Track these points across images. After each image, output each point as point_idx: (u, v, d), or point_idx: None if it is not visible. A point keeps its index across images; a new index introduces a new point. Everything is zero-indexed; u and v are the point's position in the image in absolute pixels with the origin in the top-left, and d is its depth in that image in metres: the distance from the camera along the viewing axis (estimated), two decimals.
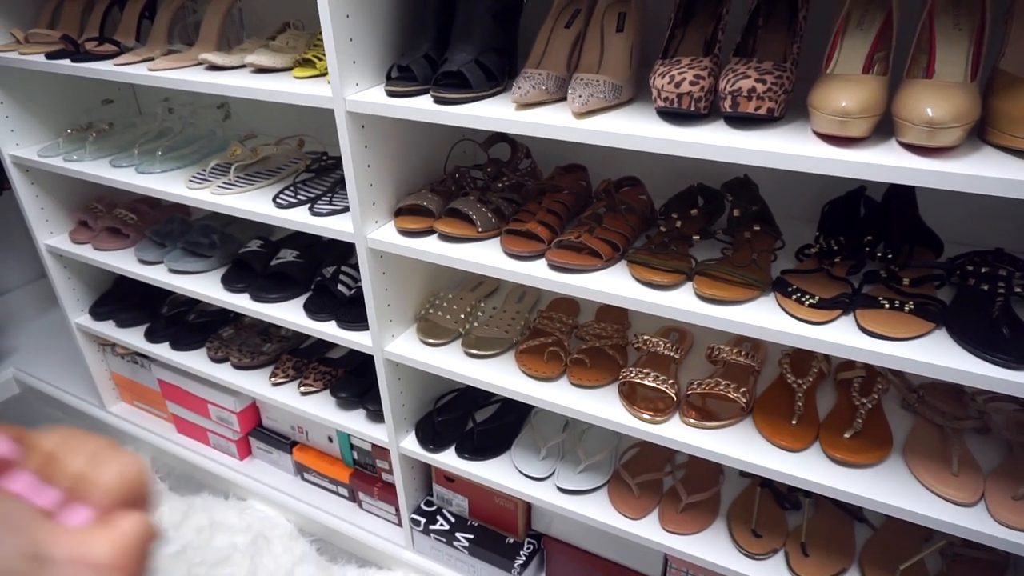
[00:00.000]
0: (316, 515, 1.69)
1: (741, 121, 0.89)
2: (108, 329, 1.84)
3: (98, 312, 1.87)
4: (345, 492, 1.70)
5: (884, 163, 0.76)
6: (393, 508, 1.60)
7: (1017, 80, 0.78)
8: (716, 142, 0.84)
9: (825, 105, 0.80)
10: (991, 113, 0.79)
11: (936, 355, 0.84)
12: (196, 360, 1.71)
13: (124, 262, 1.67)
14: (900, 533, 1.17)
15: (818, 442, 1.05)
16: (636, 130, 0.89)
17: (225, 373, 1.67)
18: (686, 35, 1.01)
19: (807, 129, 0.86)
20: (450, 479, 1.49)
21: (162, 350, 1.75)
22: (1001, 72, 0.81)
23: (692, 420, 1.09)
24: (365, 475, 1.65)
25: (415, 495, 1.55)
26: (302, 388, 1.59)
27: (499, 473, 1.34)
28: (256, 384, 1.63)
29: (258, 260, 1.55)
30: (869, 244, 1.03)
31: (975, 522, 0.91)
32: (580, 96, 0.93)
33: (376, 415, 1.46)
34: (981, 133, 0.81)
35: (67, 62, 1.41)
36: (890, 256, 1.00)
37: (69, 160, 1.60)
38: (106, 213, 1.78)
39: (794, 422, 1.06)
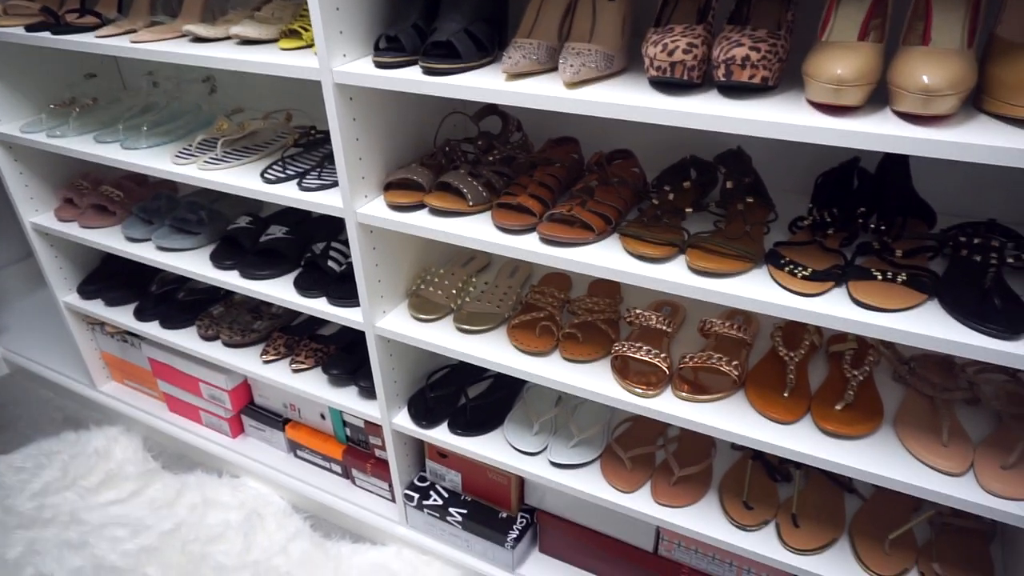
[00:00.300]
0: (309, 492, 1.69)
1: (735, 90, 0.88)
2: (97, 308, 1.82)
3: (86, 291, 1.85)
4: (338, 469, 1.70)
5: (879, 132, 0.75)
6: (386, 484, 1.60)
7: (1015, 46, 0.77)
8: (709, 111, 0.83)
9: (820, 73, 0.78)
10: (987, 81, 0.78)
11: (928, 326, 0.84)
12: (186, 338, 1.70)
13: (111, 240, 1.65)
14: (890, 503, 1.18)
15: (809, 414, 1.05)
16: (628, 100, 0.87)
17: (216, 351, 1.66)
18: (679, 3, 1.00)
19: (801, 98, 0.85)
20: (443, 455, 1.49)
21: (152, 328, 1.73)
22: (998, 38, 0.80)
23: (684, 393, 1.09)
24: (358, 452, 1.65)
25: (408, 471, 1.55)
26: (293, 365, 1.58)
27: (492, 448, 1.34)
28: (247, 362, 1.62)
29: (247, 237, 1.53)
30: (862, 216, 1.02)
31: (965, 492, 0.92)
32: (571, 66, 0.91)
33: (368, 391, 1.45)
34: (976, 101, 0.81)
35: (47, 34, 1.38)
36: (883, 228, 0.99)
37: (52, 136, 1.58)
38: (92, 190, 1.76)
39: (786, 395, 1.06)
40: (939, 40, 0.80)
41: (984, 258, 0.92)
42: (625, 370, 1.13)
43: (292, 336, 1.67)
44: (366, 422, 1.57)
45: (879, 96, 0.81)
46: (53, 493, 1.76)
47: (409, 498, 1.52)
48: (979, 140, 0.71)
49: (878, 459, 0.97)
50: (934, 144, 0.73)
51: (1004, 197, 1.05)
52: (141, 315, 1.76)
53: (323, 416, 1.68)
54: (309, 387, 1.53)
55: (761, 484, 1.23)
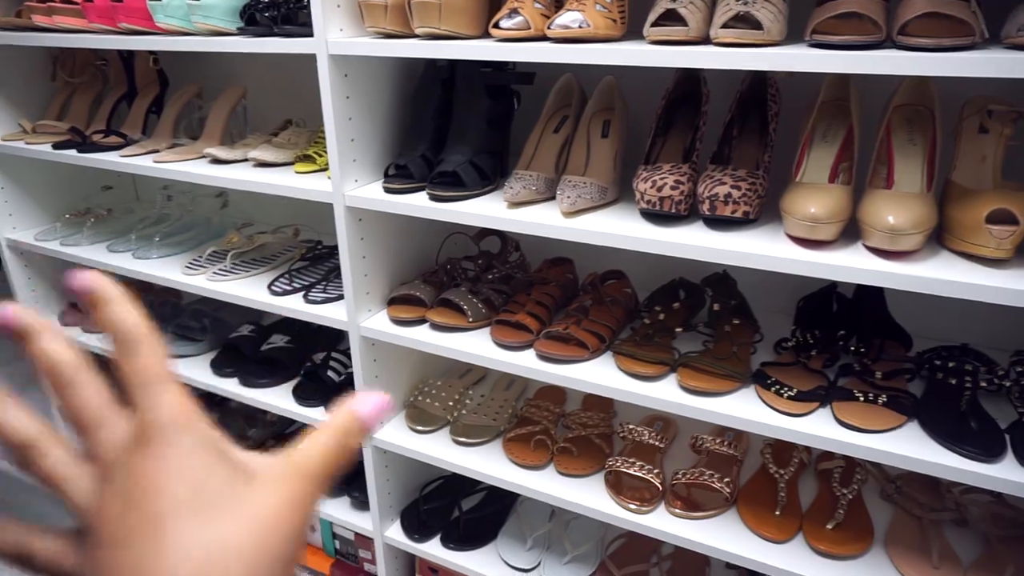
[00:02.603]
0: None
1: (719, 223, 0.95)
2: None
3: None
4: None
5: (852, 265, 0.82)
6: None
7: (968, 191, 0.85)
8: (696, 242, 0.90)
9: (795, 211, 0.86)
10: (947, 221, 0.86)
11: (909, 447, 0.87)
12: None
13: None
14: None
15: (801, 533, 1.06)
16: (621, 229, 0.95)
17: None
18: (667, 143, 1.09)
19: (780, 231, 0.92)
20: (434, 570, 1.47)
21: None
22: (953, 184, 0.88)
23: (678, 510, 1.10)
24: (346, 565, 1.62)
25: None
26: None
27: (485, 564, 1.33)
28: None
29: (249, 345, 1.57)
30: (842, 338, 1.08)
31: None
32: (569, 197, 0.99)
33: (361, 503, 1.45)
34: (939, 238, 0.88)
35: (73, 152, 1.47)
36: (863, 350, 1.04)
37: (66, 244, 1.64)
38: None
39: (778, 512, 1.08)
40: (901, 184, 0.88)
41: (959, 381, 0.97)
42: (619, 485, 1.15)
43: (286, 444, 1.66)
44: (356, 534, 1.55)
45: (852, 231, 0.88)
46: None
47: None
48: (942, 275, 0.78)
49: None
50: (901, 278, 0.80)
51: (973, 322, 1.12)
52: None
53: (312, 528, 1.65)
54: None
55: None
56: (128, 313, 0.29)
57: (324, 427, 0.32)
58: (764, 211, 0.97)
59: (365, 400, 0.32)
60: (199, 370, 1.56)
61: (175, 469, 0.27)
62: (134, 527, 0.26)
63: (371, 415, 0.32)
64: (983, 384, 0.96)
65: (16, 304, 0.29)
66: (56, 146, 1.51)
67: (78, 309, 1.79)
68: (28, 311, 0.29)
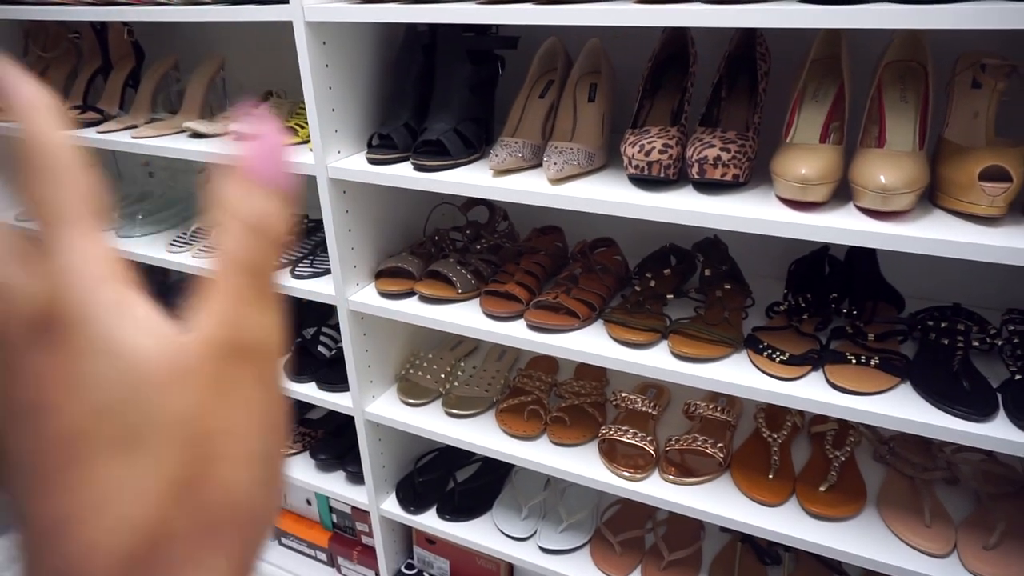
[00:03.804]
0: None
1: (708, 187, 0.93)
2: None
3: None
4: (324, 557, 1.66)
5: (843, 227, 0.80)
6: (373, 572, 1.57)
7: (960, 148, 0.84)
8: (685, 207, 0.88)
9: (786, 172, 0.84)
10: (939, 179, 0.85)
11: (902, 409, 0.87)
12: None
13: None
14: None
15: (795, 496, 1.06)
16: (609, 195, 0.93)
17: None
18: (654, 105, 1.07)
19: (771, 193, 0.91)
20: (431, 541, 1.48)
21: None
22: (946, 141, 0.87)
23: (671, 476, 1.10)
24: (344, 538, 1.62)
25: (396, 558, 1.53)
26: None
27: (481, 534, 1.33)
28: None
29: None
30: (834, 301, 1.07)
31: (949, 573, 0.93)
32: (555, 163, 0.97)
33: (356, 477, 1.45)
34: (931, 197, 0.87)
35: None
36: (855, 312, 1.04)
37: None
38: None
39: (771, 476, 1.08)
40: (893, 142, 0.86)
41: (951, 341, 0.96)
42: (612, 453, 1.15)
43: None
44: (353, 508, 1.56)
45: (843, 191, 0.87)
46: None
47: None
48: (935, 235, 0.77)
49: (863, 541, 0.98)
50: (894, 238, 0.78)
51: (965, 282, 1.11)
52: None
53: (309, 502, 1.66)
54: (296, 472, 1.52)
55: (751, 567, 1.23)
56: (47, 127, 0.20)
57: (220, 230, 0.22)
58: (754, 173, 0.96)
59: (252, 152, 0.22)
60: None
61: (83, 386, 0.19)
62: (32, 460, 0.19)
63: (263, 170, 0.22)
64: (975, 344, 0.96)
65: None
66: None
67: None
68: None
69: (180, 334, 0.21)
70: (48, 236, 0.20)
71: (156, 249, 1.47)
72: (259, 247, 0.22)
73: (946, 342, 0.96)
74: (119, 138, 1.36)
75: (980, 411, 0.84)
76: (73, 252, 0.20)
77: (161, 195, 1.71)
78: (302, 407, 1.73)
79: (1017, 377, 0.89)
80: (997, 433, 0.82)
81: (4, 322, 0.19)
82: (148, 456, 0.19)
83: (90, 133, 1.40)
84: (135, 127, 1.42)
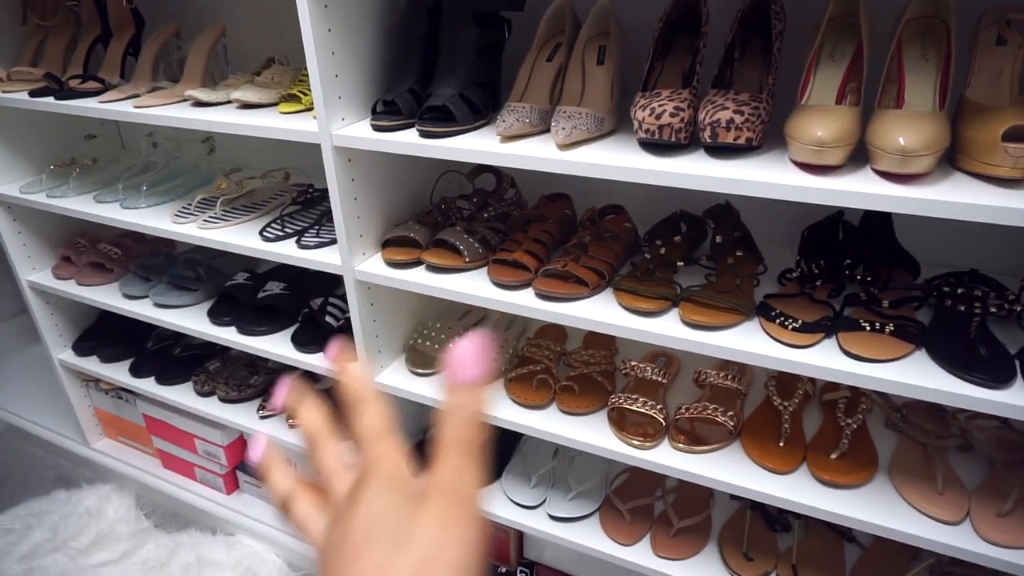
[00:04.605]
0: (305, 549, 1.67)
1: (721, 151, 0.91)
2: (91, 365, 1.82)
3: (81, 347, 1.85)
4: None
5: (860, 190, 0.78)
6: None
7: (983, 108, 0.81)
8: (697, 172, 0.86)
9: (801, 135, 0.82)
10: (960, 140, 0.82)
11: (916, 376, 0.86)
12: (182, 394, 1.70)
13: (108, 297, 1.66)
14: (889, 552, 1.18)
15: (805, 463, 1.06)
16: (619, 161, 0.91)
17: (212, 407, 1.66)
18: (665, 67, 1.04)
19: (785, 157, 0.88)
20: None
21: (147, 384, 1.73)
22: (968, 101, 0.84)
23: (681, 444, 1.10)
24: None
25: None
26: (290, 420, 1.58)
27: (490, 502, 1.34)
28: (244, 417, 1.62)
29: (245, 293, 1.55)
30: (848, 267, 1.05)
31: (961, 540, 0.92)
32: (563, 128, 0.95)
33: None
34: (951, 160, 0.84)
35: (51, 99, 1.42)
36: (869, 279, 1.02)
37: (52, 196, 1.60)
38: (90, 248, 1.77)
39: (781, 444, 1.07)
40: (913, 103, 0.84)
41: (968, 308, 0.94)
42: (622, 422, 1.14)
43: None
44: None
45: (860, 154, 0.84)
46: (42, 555, 1.73)
47: None
48: (955, 198, 0.75)
49: (874, 508, 0.98)
50: (912, 202, 0.76)
51: (984, 247, 1.09)
52: (137, 371, 1.76)
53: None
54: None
55: (760, 534, 1.23)
56: (359, 382, 0.37)
57: (441, 421, 0.35)
58: (768, 137, 0.93)
59: (455, 362, 0.34)
60: (196, 320, 1.55)
61: (365, 513, 0.32)
62: (339, 560, 0.32)
63: (466, 372, 0.34)
64: (992, 310, 0.94)
65: (287, 382, 0.38)
66: (32, 94, 1.46)
67: (71, 262, 1.76)
68: (294, 390, 0.38)
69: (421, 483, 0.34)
70: (363, 448, 0.35)
71: (161, 220, 1.46)
72: (471, 430, 0.34)
73: (963, 308, 0.95)
74: (121, 107, 1.34)
75: (997, 378, 0.82)
76: (372, 450, 0.35)
77: (165, 166, 1.70)
78: (310, 378, 1.73)
79: None
80: (1015, 400, 0.81)
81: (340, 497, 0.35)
82: (402, 553, 0.31)
83: (91, 103, 1.39)
84: (137, 96, 1.40)
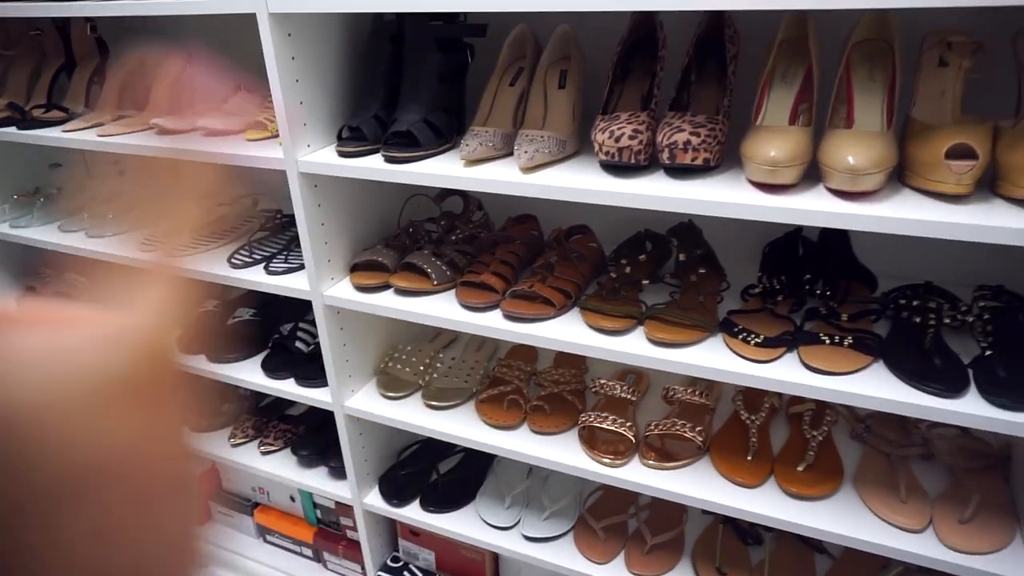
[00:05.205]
0: None
1: (679, 171, 0.93)
2: None
3: None
4: (309, 552, 1.66)
5: (813, 208, 0.81)
6: (359, 566, 1.57)
7: (927, 127, 0.84)
8: (656, 192, 0.88)
9: (756, 155, 0.84)
10: (907, 158, 0.85)
11: (875, 387, 0.88)
12: None
13: None
14: (859, 562, 1.20)
15: (773, 476, 1.07)
16: (581, 183, 0.92)
17: None
18: (624, 91, 1.06)
19: (742, 177, 0.90)
20: (415, 533, 1.48)
21: None
22: (913, 120, 0.87)
23: (651, 461, 1.10)
24: (329, 533, 1.62)
25: (381, 551, 1.52)
26: (262, 448, 1.56)
27: (465, 524, 1.33)
28: (215, 446, 1.60)
29: (214, 320, 1.53)
30: (808, 282, 1.08)
31: (925, 548, 0.94)
32: (526, 152, 0.96)
33: (339, 472, 1.44)
34: (900, 176, 0.87)
35: (13, 129, 1.41)
36: (828, 293, 1.04)
37: (16, 226, 1.58)
38: (55, 277, 1.75)
39: (749, 458, 1.09)
40: (861, 122, 0.86)
41: (923, 319, 0.97)
42: (593, 440, 1.15)
43: (260, 417, 1.65)
44: (337, 503, 1.55)
45: (813, 173, 0.87)
46: None
47: None
48: (903, 214, 0.77)
49: (841, 519, 0.99)
50: (863, 219, 0.79)
51: (937, 260, 1.11)
52: None
53: (293, 499, 1.65)
54: (278, 469, 1.51)
55: (733, 548, 1.24)
56: None
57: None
58: (725, 157, 0.95)
59: None
60: None
61: None
62: None
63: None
64: (947, 321, 0.97)
65: None
66: None
67: (36, 292, 1.74)
68: None
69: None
70: None
71: (128, 248, 1.44)
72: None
73: (918, 320, 0.97)
74: (85, 136, 1.34)
75: (951, 388, 0.85)
76: None
77: (132, 194, 1.68)
78: (282, 404, 1.72)
79: (988, 353, 0.90)
80: (969, 409, 0.83)
81: None
82: None
83: (55, 132, 1.38)
84: (101, 124, 1.39)
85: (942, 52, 0.88)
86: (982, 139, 0.78)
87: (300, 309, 1.55)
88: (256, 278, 1.27)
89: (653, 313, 1.03)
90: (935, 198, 0.82)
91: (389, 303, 1.15)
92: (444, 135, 1.09)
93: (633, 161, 0.92)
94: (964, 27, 0.89)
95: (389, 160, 1.05)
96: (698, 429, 1.11)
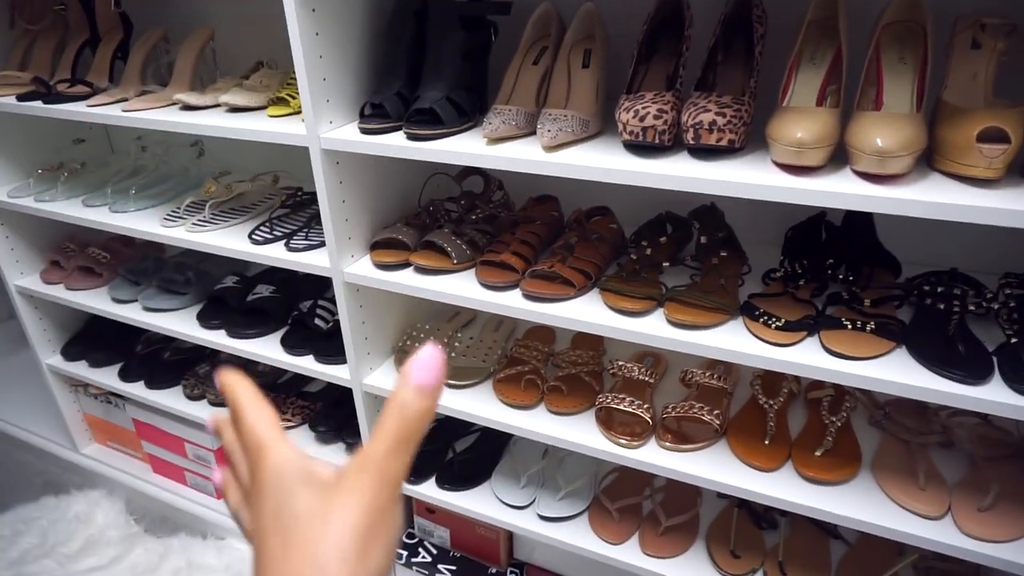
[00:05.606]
0: None
1: (704, 152, 0.92)
2: (80, 369, 1.82)
3: (70, 352, 1.84)
4: None
5: (839, 191, 0.80)
6: None
7: (958, 110, 0.83)
8: (681, 173, 0.87)
9: (782, 136, 0.83)
10: (937, 141, 0.84)
11: (897, 373, 0.87)
12: (172, 398, 1.70)
13: (97, 301, 1.66)
14: (874, 548, 1.20)
15: (790, 461, 1.07)
16: (604, 163, 0.92)
17: (202, 410, 1.65)
18: (649, 70, 1.05)
19: (767, 158, 0.90)
20: (431, 510, 1.49)
21: (137, 389, 1.73)
22: (944, 103, 0.86)
23: (668, 443, 1.11)
24: None
25: None
26: (280, 423, 1.58)
27: (480, 503, 1.34)
28: None
29: (234, 296, 1.55)
30: (831, 267, 1.07)
31: (943, 535, 0.94)
32: (549, 131, 0.96)
33: (355, 448, 1.46)
34: (929, 160, 0.86)
35: (39, 104, 1.42)
36: (851, 278, 1.03)
37: (40, 200, 1.60)
38: (79, 252, 1.77)
39: (767, 442, 1.09)
40: (891, 105, 0.85)
41: (947, 306, 0.96)
42: (609, 421, 1.15)
43: (279, 394, 1.67)
44: None
45: (840, 155, 0.86)
46: (31, 561, 1.72)
47: (397, 555, 1.51)
48: (931, 198, 0.76)
49: (858, 504, 0.99)
50: (890, 202, 0.78)
51: (963, 246, 1.10)
52: (126, 376, 1.75)
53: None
54: (296, 444, 1.53)
55: (748, 532, 1.24)
56: (238, 387, 0.41)
57: (384, 409, 0.36)
58: (751, 138, 0.94)
59: (414, 362, 0.36)
60: (186, 323, 1.55)
61: (273, 512, 0.36)
62: (269, 560, 0.35)
63: (421, 375, 0.36)
64: (971, 308, 0.96)
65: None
66: (20, 98, 1.46)
67: (60, 267, 1.76)
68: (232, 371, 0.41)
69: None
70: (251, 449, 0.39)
71: (150, 223, 1.46)
72: (409, 426, 0.36)
73: (942, 307, 0.96)
74: (109, 111, 1.34)
75: (975, 375, 0.84)
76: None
77: (155, 169, 1.69)
78: (300, 380, 1.73)
79: (1013, 341, 0.89)
80: (992, 396, 0.82)
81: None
82: (327, 531, 0.35)
83: (79, 107, 1.39)
84: (125, 100, 1.40)
85: (975, 34, 0.87)
86: (1015, 123, 0.77)
87: (319, 287, 1.56)
88: (277, 254, 1.28)
89: (673, 295, 1.02)
90: (965, 182, 0.80)
91: (409, 281, 1.15)
92: (467, 113, 1.09)
93: (657, 141, 0.91)
94: (997, 8, 0.87)
95: (411, 137, 1.05)
96: (716, 412, 1.11)
